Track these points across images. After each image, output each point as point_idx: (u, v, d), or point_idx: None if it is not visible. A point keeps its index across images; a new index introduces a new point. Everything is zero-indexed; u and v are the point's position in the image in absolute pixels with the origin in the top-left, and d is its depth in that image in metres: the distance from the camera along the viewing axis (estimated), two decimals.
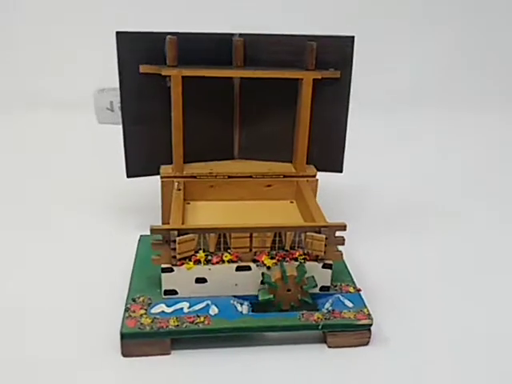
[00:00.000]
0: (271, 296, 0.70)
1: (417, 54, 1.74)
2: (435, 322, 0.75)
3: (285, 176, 0.89)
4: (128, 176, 0.90)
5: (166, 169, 0.88)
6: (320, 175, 0.91)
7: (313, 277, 0.71)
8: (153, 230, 0.69)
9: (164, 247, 0.70)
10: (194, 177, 0.87)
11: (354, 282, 0.78)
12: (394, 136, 1.52)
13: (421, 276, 0.87)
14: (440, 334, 0.73)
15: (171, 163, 0.88)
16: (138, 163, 0.88)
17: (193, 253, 0.71)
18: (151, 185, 0.91)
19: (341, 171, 0.94)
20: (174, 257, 0.70)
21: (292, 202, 0.90)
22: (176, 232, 0.69)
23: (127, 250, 0.86)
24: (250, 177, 0.89)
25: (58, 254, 0.89)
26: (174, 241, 0.69)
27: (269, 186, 0.89)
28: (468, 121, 1.66)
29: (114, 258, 0.87)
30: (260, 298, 0.71)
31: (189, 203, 0.87)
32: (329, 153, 0.92)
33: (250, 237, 0.71)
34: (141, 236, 0.88)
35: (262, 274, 0.71)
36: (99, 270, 0.84)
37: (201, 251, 0.71)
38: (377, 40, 1.59)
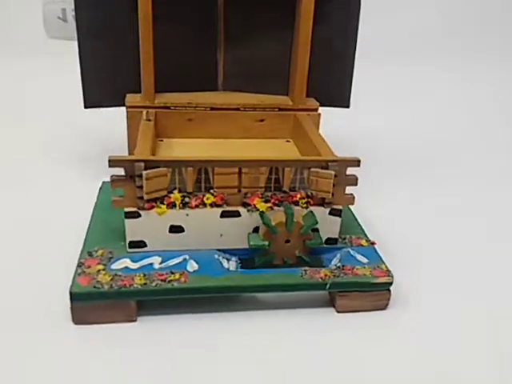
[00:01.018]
0: (265, 243, 0.55)
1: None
2: (457, 283, 0.62)
3: (280, 109, 0.74)
4: (86, 106, 0.73)
5: (133, 97, 0.71)
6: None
7: (311, 212, 0.56)
8: (112, 162, 0.53)
9: (127, 184, 0.54)
10: (169, 107, 0.71)
11: (365, 234, 0.63)
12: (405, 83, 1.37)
13: (435, 229, 0.73)
14: (464, 294, 0.60)
15: (140, 91, 0.71)
16: (99, 90, 0.72)
17: (165, 193, 0.55)
18: (117, 118, 0.74)
19: (347, 106, 0.79)
20: (141, 197, 0.54)
21: (289, 141, 0.74)
22: (142, 164, 0.53)
23: (87, 199, 0.69)
24: (238, 109, 0.73)
25: (8, 204, 0.73)
26: (141, 176, 0.53)
27: (261, 120, 0.74)
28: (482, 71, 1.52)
29: (72, 207, 0.72)
30: (251, 243, 0.55)
31: (162, 140, 0.71)
32: (333, 83, 0.76)
33: (239, 173, 0.56)
34: (103, 183, 0.72)
35: (261, 213, 0.56)
36: (54, 221, 0.70)
37: (176, 191, 0.56)
38: None
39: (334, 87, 0.76)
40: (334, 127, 0.79)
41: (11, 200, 0.74)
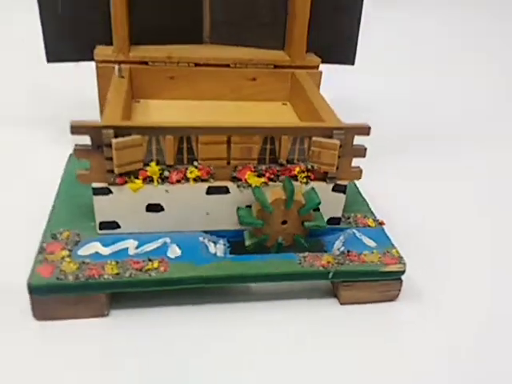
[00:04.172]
0: (261, 237, 0.48)
1: None
2: (473, 270, 0.55)
3: (276, 66, 0.64)
4: (49, 60, 0.62)
5: (103, 50, 0.61)
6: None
7: (313, 189, 0.49)
8: (74, 128, 0.44)
9: (94, 155, 0.45)
10: (146, 63, 0.61)
11: (372, 213, 0.56)
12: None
13: (446, 210, 0.66)
14: (479, 286, 0.53)
15: (111, 43, 0.60)
16: (63, 41, 0.61)
17: (141, 166, 0.47)
18: (87, 75, 0.64)
19: (352, 63, 0.69)
20: (111, 171, 0.45)
21: (285, 104, 0.65)
22: (111, 131, 0.44)
23: (53, 171, 0.60)
24: (227, 66, 0.63)
25: None
26: (110, 145, 0.44)
27: (253, 79, 0.64)
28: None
29: (34, 180, 0.63)
30: (246, 243, 0.48)
31: (138, 101, 0.62)
32: (337, 37, 0.67)
33: (228, 143, 0.47)
34: (70, 155, 0.62)
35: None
36: (13, 197, 0.60)
37: (153, 163, 0.47)
38: None
39: (337, 41, 0.67)
40: (330, 88, 0.69)
41: None
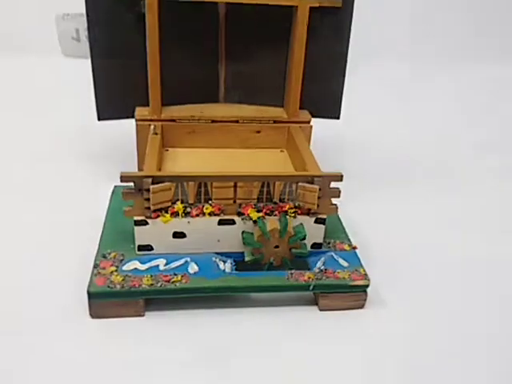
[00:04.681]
0: (258, 256, 0.63)
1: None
2: (433, 284, 0.69)
3: (275, 121, 0.80)
4: (99, 119, 0.80)
5: (141, 111, 0.78)
6: (314, 123, 0.81)
7: (302, 225, 0.64)
8: (123, 178, 0.61)
9: (137, 197, 0.61)
10: (174, 120, 0.78)
11: (349, 239, 0.71)
12: (391, 88, 1.42)
13: (417, 234, 0.80)
14: (438, 297, 0.67)
15: (148, 104, 0.78)
16: (110, 104, 0.78)
17: (169, 204, 0.63)
18: (127, 129, 0.81)
19: (338, 118, 0.85)
20: (148, 208, 0.62)
21: (282, 151, 0.81)
22: (150, 180, 0.60)
23: (99, 202, 0.77)
24: (237, 121, 0.79)
25: (25, 206, 0.81)
26: (148, 190, 0.60)
27: (257, 132, 0.80)
28: (471, 75, 1.55)
29: (85, 210, 0.80)
30: (246, 259, 0.63)
31: (167, 150, 0.78)
32: (325, 96, 0.82)
33: (235, 187, 0.63)
34: (115, 187, 0.79)
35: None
36: (69, 224, 0.77)
37: (178, 202, 0.63)
38: None
39: (325, 100, 0.83)
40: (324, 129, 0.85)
41: (31, 202, 0.82)
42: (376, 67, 1.45)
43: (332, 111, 0.84)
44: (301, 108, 0.81)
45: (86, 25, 0.71)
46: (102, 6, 0.71)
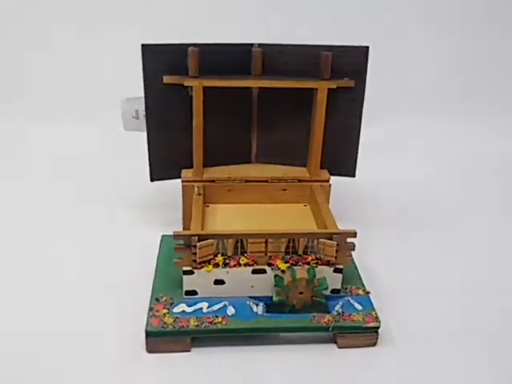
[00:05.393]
0: (284, 297, 0.75)
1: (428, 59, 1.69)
2: (442, 325, 0.79)
3: (299, 180, 0.93)
4: (152, 180, 0.94)
5: (186, 173, 0.92)
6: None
7: (324, 278, 0.75)
8: (175, 236, 0.74)
9: (186, 251, 0.75)
10: (213, 181, 0.92)
11: (363, 285, 0.82)
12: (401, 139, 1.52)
13: (431, 280, 0.90)
14: (446, 338, 0.77)
15: (192, 167, 0.92)
16: (161, 167, 0.93)
17: (212, 257, 0.75)
18: (173, 185, 0.95)
19: (353, 176, 0.97)
20: (195, 260, 0.74)
21: (306, 206, 0.94)
22: (196, 238, 0.74)
23: (150, 249, 0.90)
24: (266, 181, 0.93)
25: (85, 253, 0.94)
26: (195, 246, 0.74)
27: (284, 190, 0.93)
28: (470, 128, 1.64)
29: (137, 256, 0.92)
30: (274, 299, 0.75)
31: (208, 206, 0.92)
32: (342, 158, 0.95)
33: (266, 242, 0.76)
34: (162, 236, 0.93)
35: (275, 276, 0.76)
36: (124, 268, 0.89)
37: (219, 255, 0.76)
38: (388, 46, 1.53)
39: (342, 162, 0.95)
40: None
41: (90, 249, 0.95)
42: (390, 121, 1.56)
43: (348, 170, 0.97)
44: (321, 167, 0.94)
45: (143, 106, 0.87)
46: (157, 91, 0.87)
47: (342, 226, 0.79)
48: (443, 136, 1.58)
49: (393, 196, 1.20)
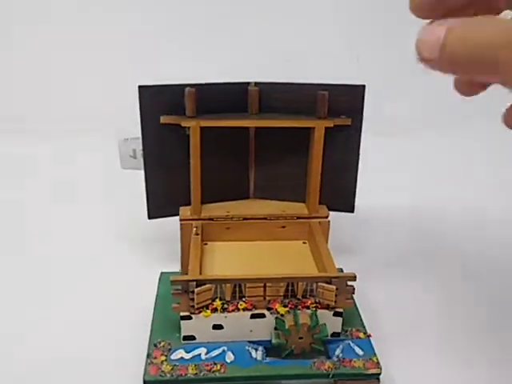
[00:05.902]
0: (284, 341, 0.74)
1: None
2: (446, 370, 0.78)
3: (298, 217, 0.92)
4: (149, 218, 0.94)
5: (184, 211, 0.92)
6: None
7: (325, 325, 0.75)
8: (173, 282, 0.74)
9: (183, 296, 0.74)
10: (212, 219, 0.91)
11: (364, 327, 0.81)
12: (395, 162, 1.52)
13: (434, 318, 0.89)
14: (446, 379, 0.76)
15: (190, 204, 0.91)
16: (159, 206, 0.92)
17: (210, 301, 0.75)
18: (173, 219, 0.94)
19: (352, 211, 0.97)
20: (193, 306, 0.74)
21: (305, 243, 0.93)
22: (194, 283, 0.73)
23: (148, 286, 0.90)
24: (265, 218, 0.92)
25: (79, 291, 0.94)
26: (193, 291, 0.73)
27: (283, 227, 0.93)
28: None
29: (134, 293, 0.91)
30: (273, 341, 0.74)
31: (206, 244, 0.91)
32: (340, 195, 0.94)
33: (264, 286, 0.75)
34: (161, 273, 0.92)
35: (276, 318, 0.75)
36: (120, 307, 0.88)
37: (217, 300, 0.75)
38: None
39: (340, 198, 0.95)
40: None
41: (84, 286, 0.94)
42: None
43: (346, 206, 0.96)
44: (320, 203, 0.93)
45: (141, 146, 0.87)
46: (154, 131, 0.86)
47: (343, 260, 0.78)
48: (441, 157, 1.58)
49: (393, 226, 1.19)
